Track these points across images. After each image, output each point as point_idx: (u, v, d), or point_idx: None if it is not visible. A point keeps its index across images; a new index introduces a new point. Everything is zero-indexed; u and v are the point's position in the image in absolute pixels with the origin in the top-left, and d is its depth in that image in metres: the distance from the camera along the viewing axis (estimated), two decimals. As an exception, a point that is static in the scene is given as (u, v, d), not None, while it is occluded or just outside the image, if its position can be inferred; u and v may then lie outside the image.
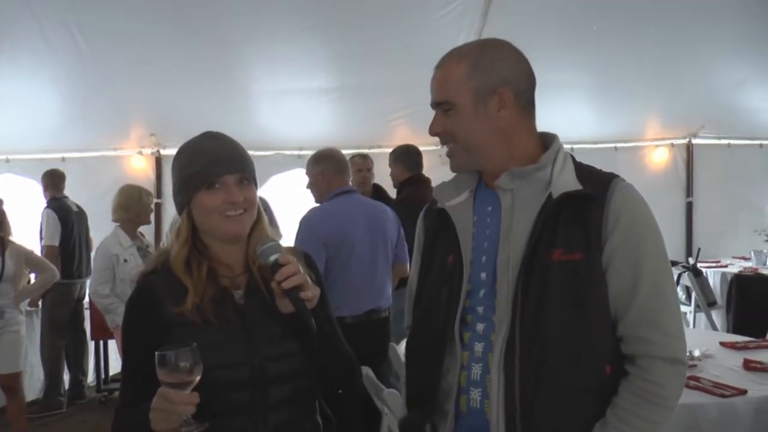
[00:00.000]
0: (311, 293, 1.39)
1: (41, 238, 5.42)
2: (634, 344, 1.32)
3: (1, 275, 4.15)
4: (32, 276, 4.85)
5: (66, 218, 5.41)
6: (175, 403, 1.27)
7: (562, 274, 1.30)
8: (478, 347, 1.38)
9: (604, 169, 1.44)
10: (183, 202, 1.51)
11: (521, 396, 1.29)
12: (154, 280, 1.49)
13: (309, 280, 1.41)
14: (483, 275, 1.40)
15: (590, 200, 1.32)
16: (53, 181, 5.53)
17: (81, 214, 5.62)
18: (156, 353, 1.28)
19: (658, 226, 1.37)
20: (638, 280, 1.31)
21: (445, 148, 1.46)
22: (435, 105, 1.43)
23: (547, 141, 1.44)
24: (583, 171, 1.40)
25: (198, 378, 1.29)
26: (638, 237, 1.33)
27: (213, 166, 1.47)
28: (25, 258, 4.34)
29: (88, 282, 5.41)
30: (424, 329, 1.47)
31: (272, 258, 1.39)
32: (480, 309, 1.39)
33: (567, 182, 1.35)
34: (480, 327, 1.39)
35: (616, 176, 1.39)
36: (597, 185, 1.35)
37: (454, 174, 1.52)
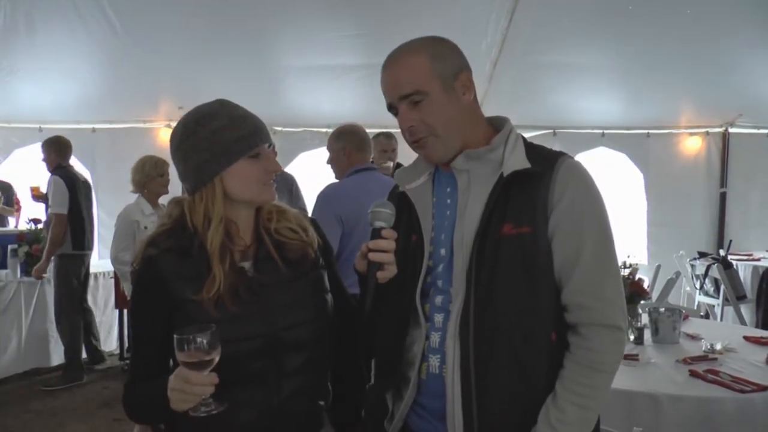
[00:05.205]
0: (386, 275, 1.40)
1: (47, 207, 5.26)
2: (576, 312, 1.40)
3: None
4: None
5: (74, 187, 5.16)
6: (194, 384, 1.28)
7: (512, 247, 1.38)
8: (438, 318, 1.47)
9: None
10: (216, 172, 1.43)
11: (476, 360, 1.38)
12: (160, 258, 1.44)
13: (393, 261, 1.41)
14: (442, 251, 1.48)
15: (538, 177, 1.40)
16: (60, 148, 5.22)
17: (87, 185, 5.44)
18: (174, 336, 1.27)
19: (602, 198, 1.43)
20: (581, 249, 1.38)
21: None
22: (402, 98, 1.45)
23: (499, 124, 1.52)
24: (533, 151, 1.47)
25: (216, 359, 1.29)
26: (581, 208, 1.39)
27: (259, 134, 1.46)
28: None
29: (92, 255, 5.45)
30: (390, 305, 1.52)
31: (377, 224, 1.41)
32: (440, 283, 1.48)
33: (516, 161, 1.42)
34: (439, 299, 1.47)
35: (564, 154, 1.47)
36: (545, 163, 1.42)
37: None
